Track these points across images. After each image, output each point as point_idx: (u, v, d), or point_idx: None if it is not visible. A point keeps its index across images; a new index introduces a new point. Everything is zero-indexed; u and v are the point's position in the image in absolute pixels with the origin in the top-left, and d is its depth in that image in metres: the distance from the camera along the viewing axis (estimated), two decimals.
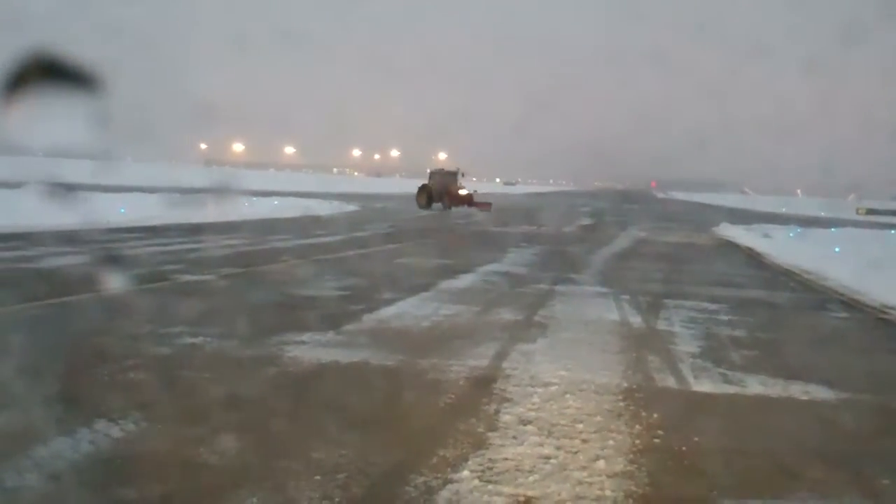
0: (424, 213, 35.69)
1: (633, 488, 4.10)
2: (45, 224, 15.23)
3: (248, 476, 4.10)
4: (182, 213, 20.16)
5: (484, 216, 34.48)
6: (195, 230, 18.86)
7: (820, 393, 6.34)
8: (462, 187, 39.71)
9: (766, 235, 24.95)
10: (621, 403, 5.70)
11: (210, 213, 21.97)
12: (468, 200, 38.88)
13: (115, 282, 9.54)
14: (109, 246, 14.37)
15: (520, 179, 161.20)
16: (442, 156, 70.37)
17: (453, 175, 40.08)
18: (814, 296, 13.12)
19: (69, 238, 13.77)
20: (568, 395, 5.79)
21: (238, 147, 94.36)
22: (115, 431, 4.60)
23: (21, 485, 3.85)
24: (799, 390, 6.38)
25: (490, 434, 4.86)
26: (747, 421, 5.64)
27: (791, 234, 25.79)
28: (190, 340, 7.07)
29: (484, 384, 6.05)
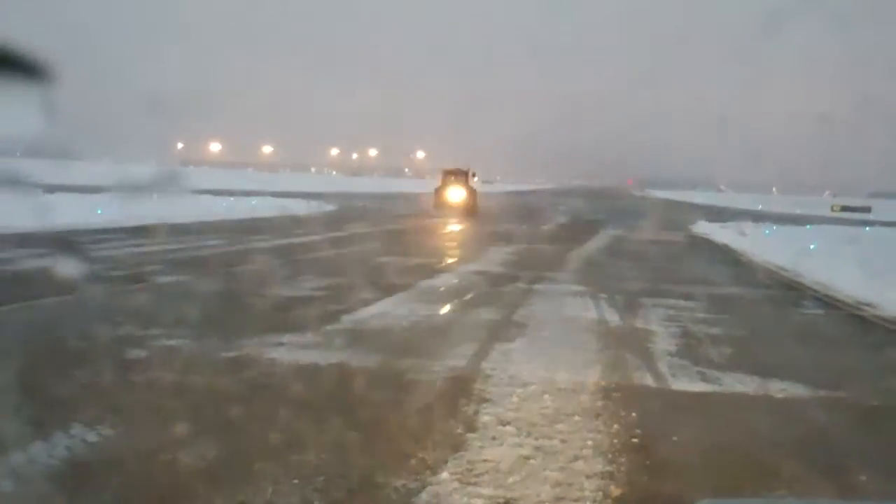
0: (404, 212, 34.91)
1: (613, 488, 4.11)
2: (35, 226, 14.97)
3: (226, 479, 4.06)
4: (157, 213, 19.86)
5: (468, 217, 33.08)
6: (172, 231, 18.62)
7: (796, 390, 6.41)
8: (461, 186, 34.44)
9: (742, 233, 25.11)
10: (600, 403, 5.72)
11: (187, 212, 21.71)
12: (459, 205, 33.67)
13: (101, 282, 9.55)
14: (97, 247, 14.17)
15: (499, 178, 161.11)
16: (420, 154, 70.36)
17: (463, 175, 35.26)
18: (790, 293, 13.25)
19: (58, 240, 13.59)
20: (547, 395, 5.80)
21: (215, 146, 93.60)
22: (92, 436, 4.54)
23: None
24: (776, 388, 6.43)
25: (469, 435, 4.86)
26: (725, 419, 5.68)
27: (767, 232, 26.01)
28: (167, 342, 6.99)
29: (463, 384, 6.05)
